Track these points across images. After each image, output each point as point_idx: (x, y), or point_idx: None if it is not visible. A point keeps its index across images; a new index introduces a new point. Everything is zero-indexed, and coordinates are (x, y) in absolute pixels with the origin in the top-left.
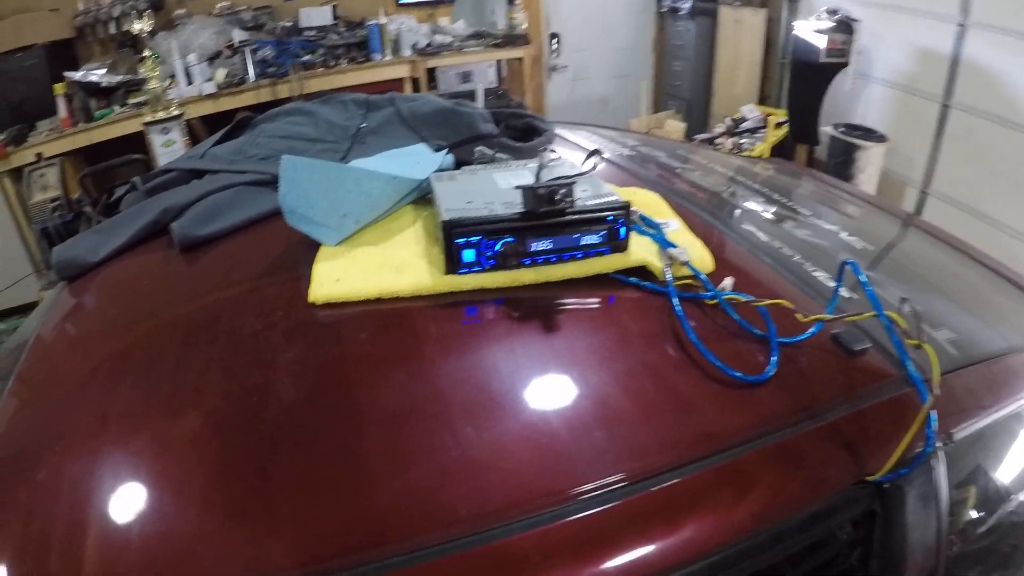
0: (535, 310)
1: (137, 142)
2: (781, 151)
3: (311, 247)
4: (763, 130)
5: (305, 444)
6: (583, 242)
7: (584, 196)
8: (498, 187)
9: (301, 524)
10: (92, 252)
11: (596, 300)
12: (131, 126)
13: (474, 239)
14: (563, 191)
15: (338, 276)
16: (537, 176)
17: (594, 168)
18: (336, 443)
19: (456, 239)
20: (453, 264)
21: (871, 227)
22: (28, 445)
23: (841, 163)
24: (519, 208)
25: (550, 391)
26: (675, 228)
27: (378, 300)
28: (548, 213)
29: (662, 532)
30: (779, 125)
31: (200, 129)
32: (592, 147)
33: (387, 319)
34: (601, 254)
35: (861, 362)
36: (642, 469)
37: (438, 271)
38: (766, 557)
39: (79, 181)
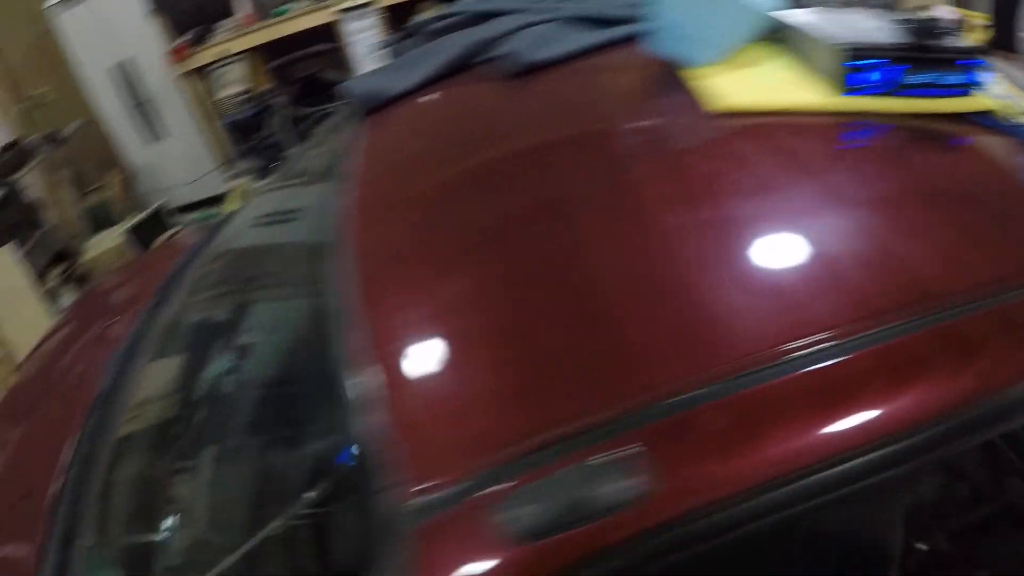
0: (899, 140)
1: (319, 34)
2: None
3: (666, 72)
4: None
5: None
6: (948, 80)
7: (951, 40)
8: (864, 24)
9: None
10: (393, 85)
11: (947, 135)
12: (319, 18)
13: (866, 64)
14: (946, 29)
15: (736, 89)
16: (901, 17)
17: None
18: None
19: (853, 61)
20: (846, 86)
21: None
22: (392, 264)
23: None
24: (901, 41)
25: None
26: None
27: (771, 113)
28: (930, 48)
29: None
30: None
31: (387, 17)
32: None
33: (771, 133)
34: (959, 94)
35: None
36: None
37: (829, 91)
38: None
39: (268, 73)
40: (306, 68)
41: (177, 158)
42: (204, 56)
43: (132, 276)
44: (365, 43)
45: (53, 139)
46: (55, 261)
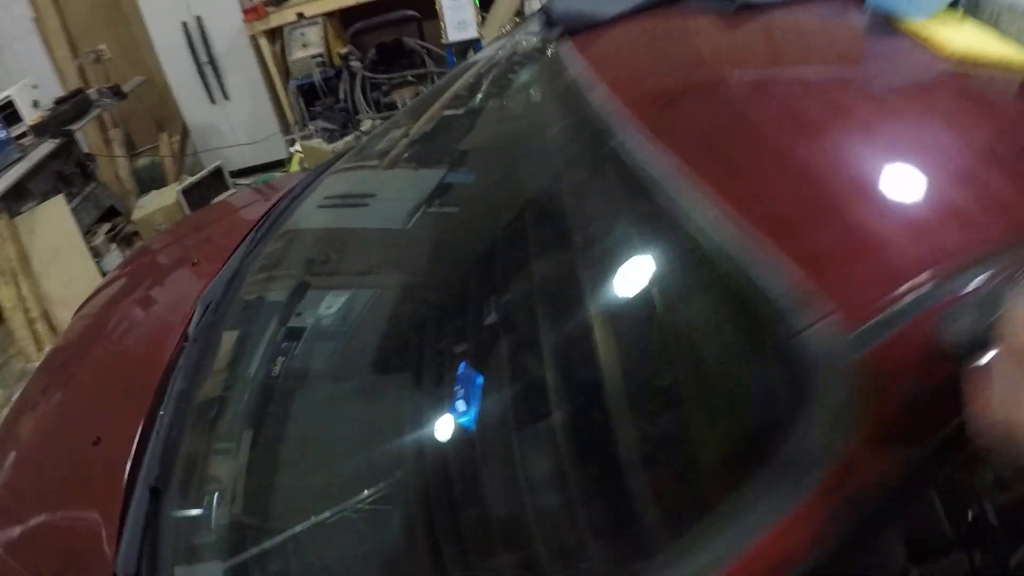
0: None
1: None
2: None
3: (885, 21)
4: None
5: None
6: None
7: None
8: None
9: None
10: (603, 9)
11: None
12: None
13: None
14: None
15: (962, 39)
16: None
17: None
18: None
19: None
20: None
21: None
22: None
23: None
24: None
25: None
26: None
27: (991, 64)
28: None
29: None
30: None
31: None
32: None
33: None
34: None
35: None
36: None
37: None
38: None
39: (344, 38)
40: (385, 35)
41: (237, 121)
42: (280, 16)
43: (198, 230)
44: (455, 11)
45: (116, 92)
46: (102, 219)
